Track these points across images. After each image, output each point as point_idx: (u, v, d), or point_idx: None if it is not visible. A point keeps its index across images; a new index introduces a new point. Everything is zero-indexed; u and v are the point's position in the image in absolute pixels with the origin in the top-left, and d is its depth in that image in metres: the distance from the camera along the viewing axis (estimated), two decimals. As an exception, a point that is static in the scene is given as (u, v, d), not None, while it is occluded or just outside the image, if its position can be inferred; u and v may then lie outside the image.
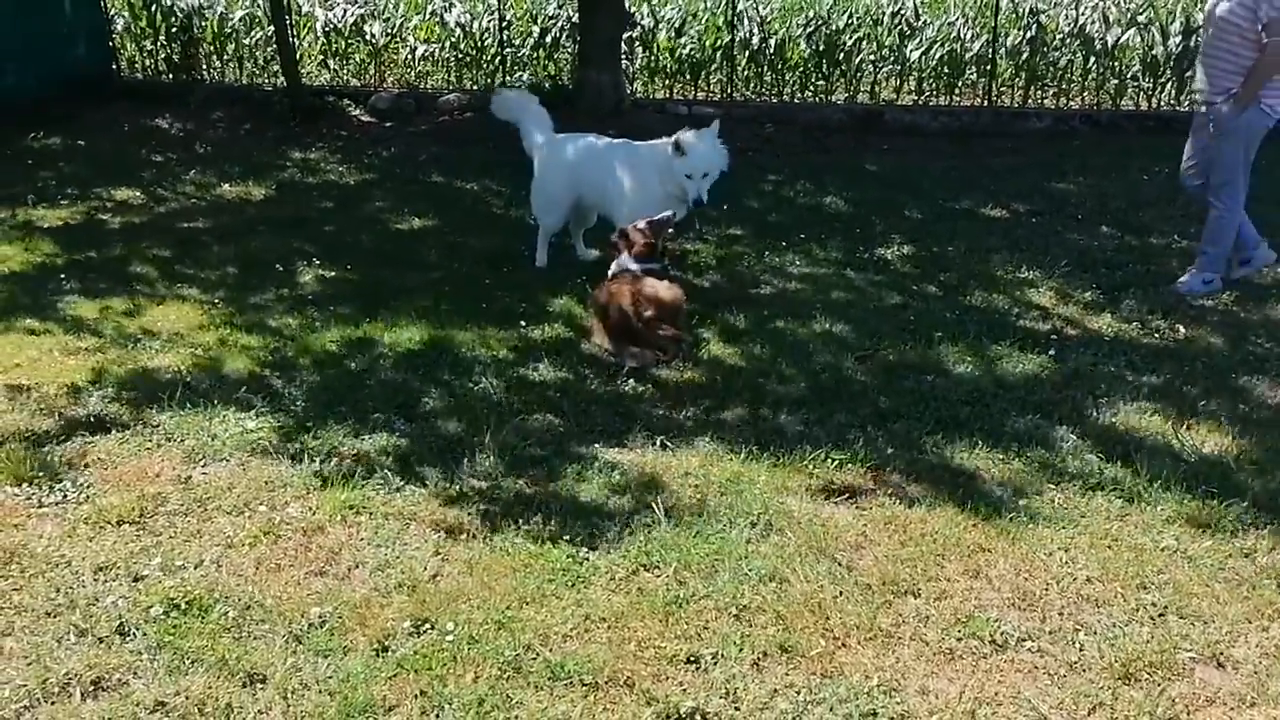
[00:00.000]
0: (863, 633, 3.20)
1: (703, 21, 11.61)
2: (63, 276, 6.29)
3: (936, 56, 11.14)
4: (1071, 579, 3.44)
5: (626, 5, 10.83)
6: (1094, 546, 3.61)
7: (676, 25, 11.58)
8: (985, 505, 3.85)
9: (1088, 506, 3.85)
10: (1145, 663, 3.07)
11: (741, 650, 3.12)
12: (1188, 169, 6.16)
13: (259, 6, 12.12)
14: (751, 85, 11.48)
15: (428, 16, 12.10)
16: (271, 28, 11.12)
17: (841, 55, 11.22)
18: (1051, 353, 5.17)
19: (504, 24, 11.67)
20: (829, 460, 4.16)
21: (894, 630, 3.21)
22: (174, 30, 12.25)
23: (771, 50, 11.29)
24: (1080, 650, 3.13)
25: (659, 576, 3.48)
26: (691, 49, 11.44)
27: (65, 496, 3.94)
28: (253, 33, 12.30)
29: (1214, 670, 3.06)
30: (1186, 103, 6.04)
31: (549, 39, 11.61)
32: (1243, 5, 5.50)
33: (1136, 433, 4.41)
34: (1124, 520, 3.77)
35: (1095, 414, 4.55)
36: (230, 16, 12.35)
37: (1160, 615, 3.28)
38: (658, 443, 4.32)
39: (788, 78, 11.45)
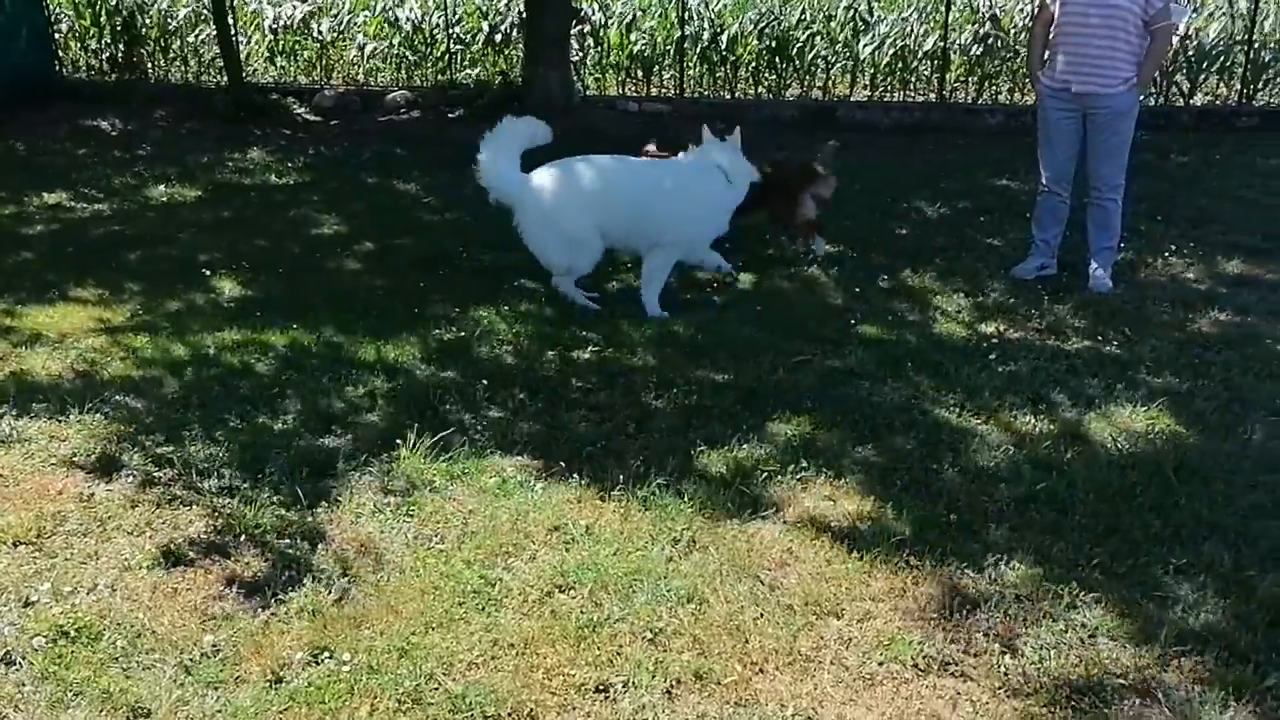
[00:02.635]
0: (781, 657, 3.07)
1: (654, 17, 11.46)
2: (-20, 282, 6.07)
3: (889, 52, 11.06)
4: (1000, 597, 3.32)
5: (574, 1, 10.66)
6: (1023, 562, 3.49)
7: (627, 21, 11.43)
8: (916, 518, 3.72)
9: (1021, 519, 3.74)
10: (1073, 688, 2.95)
11: (654, 678, 2.98)
12: (1062, 184, 6.07)
13: (204, 3, 11.87)
14: (703, 82, 11.35)
15: (376, 13, 11.88)
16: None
17: (794, 51, 11.11)
18: (993, 357, 5.06)
19: (453, 20, 11.48)
20: (758, 472, 4.03)
21: (814, 654, 3.08)
22: (117, 29, 11.98)
23: (723, 46, 11.17)
24: (1005, 675, 3.01)
25: (574, 598, 3.33)
26: (643, 45, 11.30)
27: (-41, 516, 3.75)
28: (197, 30, 12.04)
29: (1144, 695, 2.94)
30: (1053, 103, 5.96)
31: (498, 36, 11.43)
32: None
33: (1074, 440, 4.30)
34: (1056, 534, 3.66)
35: (1033, 421, 4.45)
36: (174, 14, 12.09)
37: (1090, 637, 3.16)
38: (583, 453, 4.18)
39: (740, 74, 11.33)
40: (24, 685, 2.96)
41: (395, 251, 6.71)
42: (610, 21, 11.43)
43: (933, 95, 10.99)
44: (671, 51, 11.26)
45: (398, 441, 4.20)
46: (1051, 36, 5.87)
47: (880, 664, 3.04)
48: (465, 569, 3.46)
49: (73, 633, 3.15)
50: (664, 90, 11.31)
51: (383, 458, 4.12)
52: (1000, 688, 2.96)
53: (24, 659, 3.05)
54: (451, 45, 11.44)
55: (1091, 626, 3.20)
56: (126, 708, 2.88)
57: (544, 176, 5.61)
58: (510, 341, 5.25)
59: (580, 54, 11.08)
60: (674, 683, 2.97)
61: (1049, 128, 6.01)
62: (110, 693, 2.92)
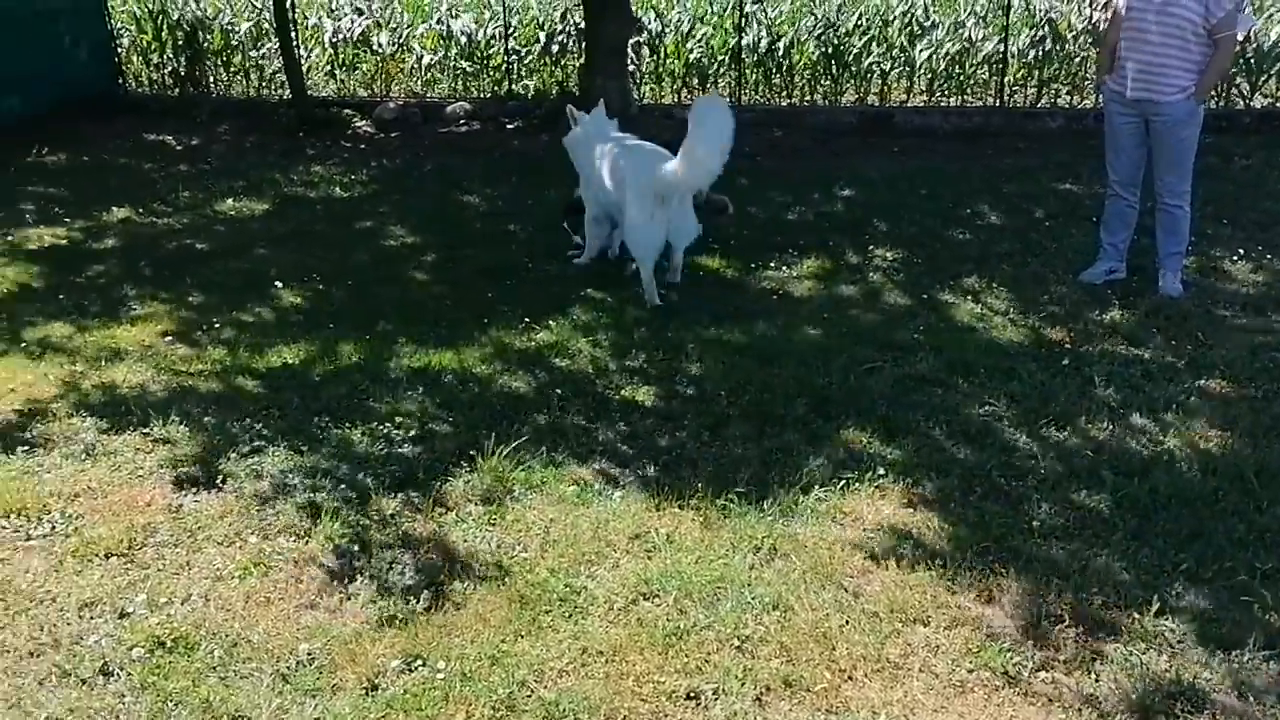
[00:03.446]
0: (870, 664, 3.08)
1: (710, 25, 11.48)
2: (60, 297, 6.22)
3: (947, 56, 10.99)
4: (1088, 604, 3.31)
5: (633, 10, 10.71)
6: (1109, 569, 3.47)
7: (684, 29, 11.46)
8: (999, 525, 3.72)
9: (1104, 526, 3.72)
10: (1163, 694, 2.93)
11: (744, 685, 3.01)
12: (1129, 188, 6.01)
13: (265, 18, 12.08)
14: (759, 89, 11.35)
15: (434, 25, 12.02)
16: (278, 39, 11.07)
17: (850, 57, 11.08)
18: (1065, 362, 5.02)
19: (509, 31, 11.58)
20: (835, 479, 4.03)
21: (902, 661, 3.09)
22: (180, 44, 12.22)
23: (780, 53, 11.16)
24: (1096, 681, 3.00)
25: (659, 606, 3.36)
26: (699, 53, 11.32)
27: (53, 528, 3.85)
28: (259, 44, 12.26)
29: (1235, 700, 2.92)
30: (1116, 107, 5.94)
31: (555, 46, 11.51)
32: (1196, 1, 5.42)
33: (1154, 446, 4.26)
34: (1140, 540, 3.63)
35: (1110, 428, 4.41)
36: (236, 28, 12.32)
37: (1179, 643, 3.14)
38: (659, 461, 4.21)
39: (796, 80, 11.32)
40: (124, 696, 3.04)
41: (461, 262, 6.79)
42: (666, 30, 11.46)
43: (990, 99, 10.89)
44: (727, 59, 11.26)
45: (473, 452, 4.26)
46: (1118, 43, 5.85)
47: (970, 672, 3.04)
48: (550, 577, 3.51)
49: (169, 643, 3.24)
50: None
51: (463, 467, 4.19)
52: (1092, 694, 2.95)
53: (122, 670, 3.14)
54: (508, 56, 11.54)
55: (1180, 632, 3.18)
56: (228, 716, 2.96)
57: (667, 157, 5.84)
58: (581, 351, 5.30)
59: (636, 63, 11.13)
60: (764, 690, 2.99)
61: (1114, 132, 5.98)
62: (210, 702, 3.00)
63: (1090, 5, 11.09)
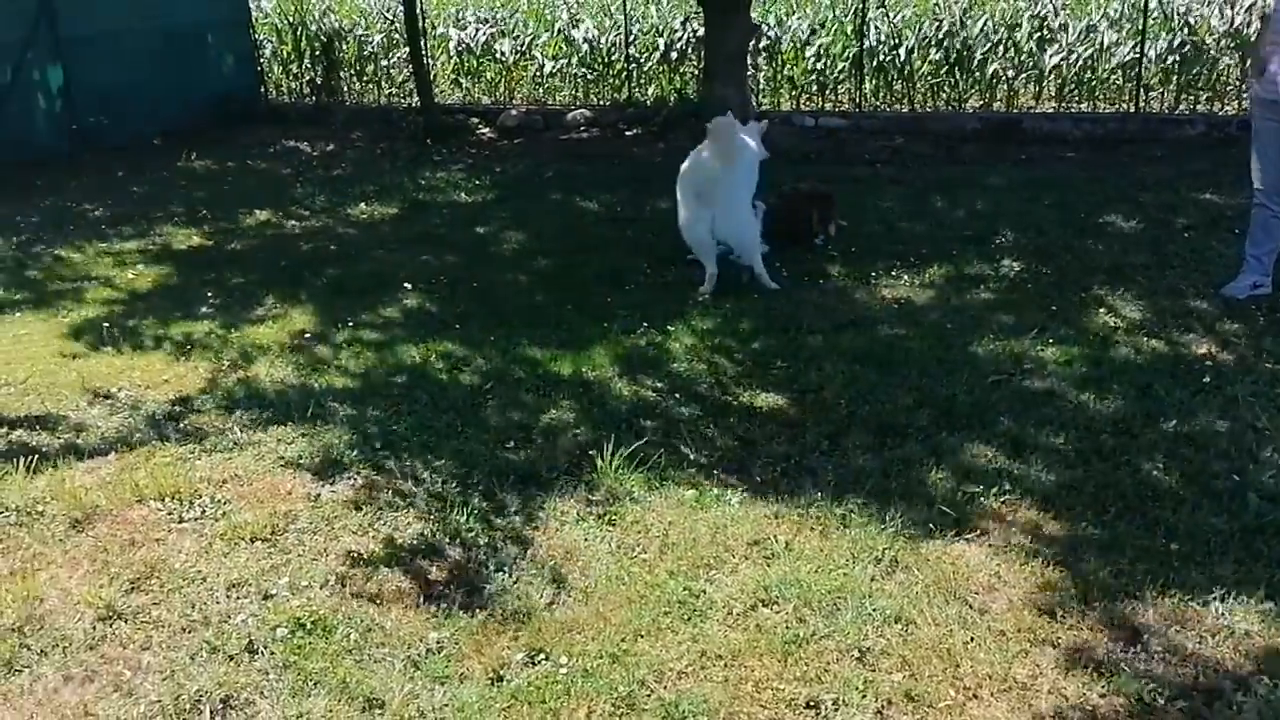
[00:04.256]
0: (996, 684, 3.03)
1: (830, 32, 11.41)
2: (207, 294, 6.56)
3: (1079, 61, 10.67)
4: (1229, 633, 3.19)
5: (753, 18, 10.72)
6: (1253, 596, 3.34)
7: (804, 36, 11.42)
8: (1134, 547, 3.61)
9: (1247, 552, 3.57)
10: (1312, 730, 2.82)
11: (864, 697, 2.99)
12: (1275, 197, 5.75)
13: (396, 29, 12.48)
14: (880, 95, 11.22)
15: (555, 33, 12.25)
16: (408, 49, 11.44)
17: (975, 63, 10.86)
18: (1206, 380, 4.84)
19: (629, 39, 11.71)
20: (959, 493, 3.97)
21: (1030, 683, 3.03)
22: (317, 54, 12.73)
23: (901, 59, 11.02)
24: (1237, 714, 2.89)
25: (778, 613, 3.37)
26: (819, 60, 11.26)
27: (204, 512, 4.07)
28: (390, 54, 12.68)
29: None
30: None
31: (674, 53, 11.59)
32: None
33: (1301, 469, 4.08)
34: (1287, 567, 3.48)
35: (1257, 450, 4.23)
36: (369, 39, 12.76)
37: (1329, 677, 3.01)
38: (778, 469, 4.22)
39: (919, 86, 11.15)
40: (268, 674, 3.19)
41: (581, 267, 6.89)
42: (785, 37, 11.42)
43: (1125, 105, 10.54)
44: (848, 66, 11.17)
45: (592, 453, 4.33)
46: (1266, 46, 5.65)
47: (1102, 697, 2.96)
48: (669, 579, 3.55)
49: (309, 625, 3.39)
50: (839, 105, 11.23)
51: (583, 468, 4.26)
52: (1233, 727, 2.85)
53: (266, 649, 3.29)
54: (628, 64, 11.67)
55: (1331, 667, 3.04)
56: (362, 698, 3.08)
57: None
58: (700, 357, 5.33)
59: (755, 70, 11.12)
60: (885, 703, 2.97)
61: (1260, 138, 5.76)
62: (347, 683, 3.13)
63: (1232, 7, 10.64)
